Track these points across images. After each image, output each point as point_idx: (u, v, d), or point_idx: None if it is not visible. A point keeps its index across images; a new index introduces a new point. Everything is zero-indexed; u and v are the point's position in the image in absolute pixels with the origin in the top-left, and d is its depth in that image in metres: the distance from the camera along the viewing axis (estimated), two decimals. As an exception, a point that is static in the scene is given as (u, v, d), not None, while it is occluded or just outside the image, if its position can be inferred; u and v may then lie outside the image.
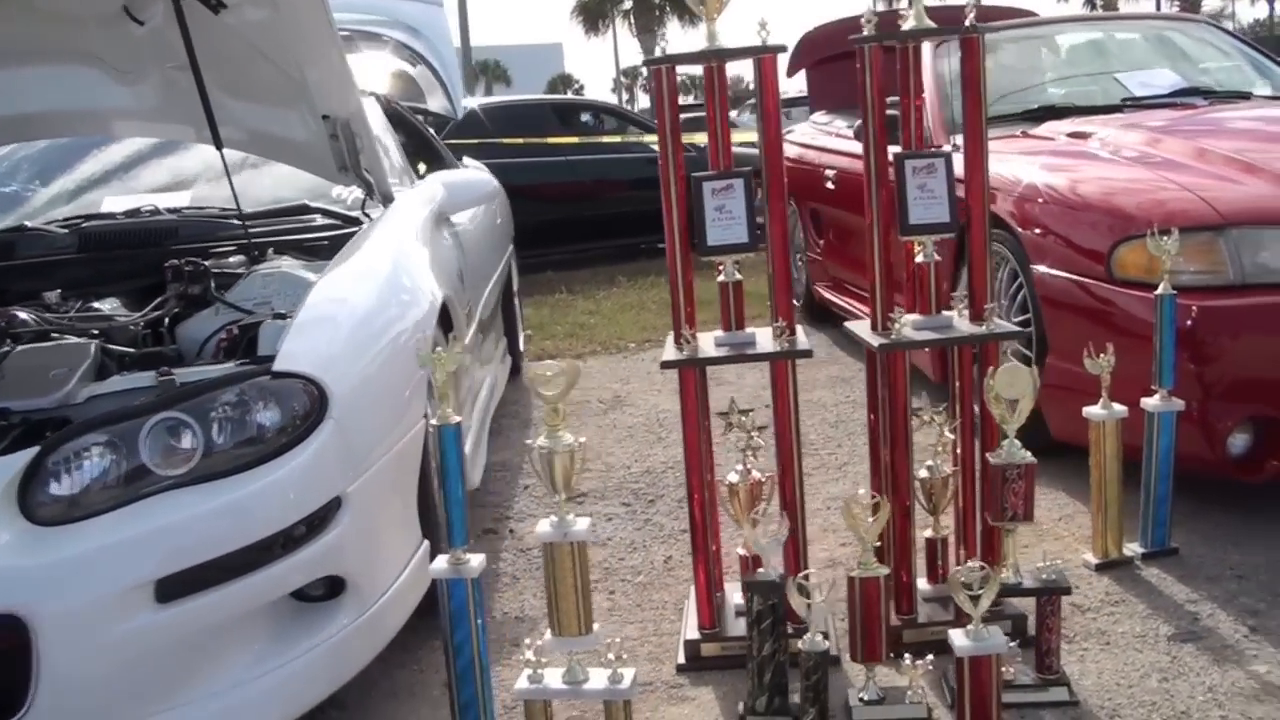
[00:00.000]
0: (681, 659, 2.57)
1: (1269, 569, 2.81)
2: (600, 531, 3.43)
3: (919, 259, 2.56)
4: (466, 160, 5.89)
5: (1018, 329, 2.64)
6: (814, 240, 6.15)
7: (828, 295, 5.96)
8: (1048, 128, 4.16)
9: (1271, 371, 2.94)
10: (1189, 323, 2.94)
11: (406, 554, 2.47)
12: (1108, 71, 4.90)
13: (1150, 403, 2.90)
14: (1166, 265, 2.84)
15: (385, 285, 2.79)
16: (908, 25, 2.51)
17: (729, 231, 2.50)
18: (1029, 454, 2.27)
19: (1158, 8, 37.58)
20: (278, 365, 2.21)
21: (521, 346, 5.83)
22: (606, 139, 10.73)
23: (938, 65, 4.86)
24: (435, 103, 5.58)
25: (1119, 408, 2.86)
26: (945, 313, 2.58)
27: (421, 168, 4.54)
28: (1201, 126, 3.98)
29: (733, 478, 2.51)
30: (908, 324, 2.51)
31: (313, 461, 2.11)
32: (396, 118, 4.74)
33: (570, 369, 1.87)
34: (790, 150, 6.58)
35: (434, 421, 1.94)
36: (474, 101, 10.50)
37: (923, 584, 2.66)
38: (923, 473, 2.60)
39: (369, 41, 4.91)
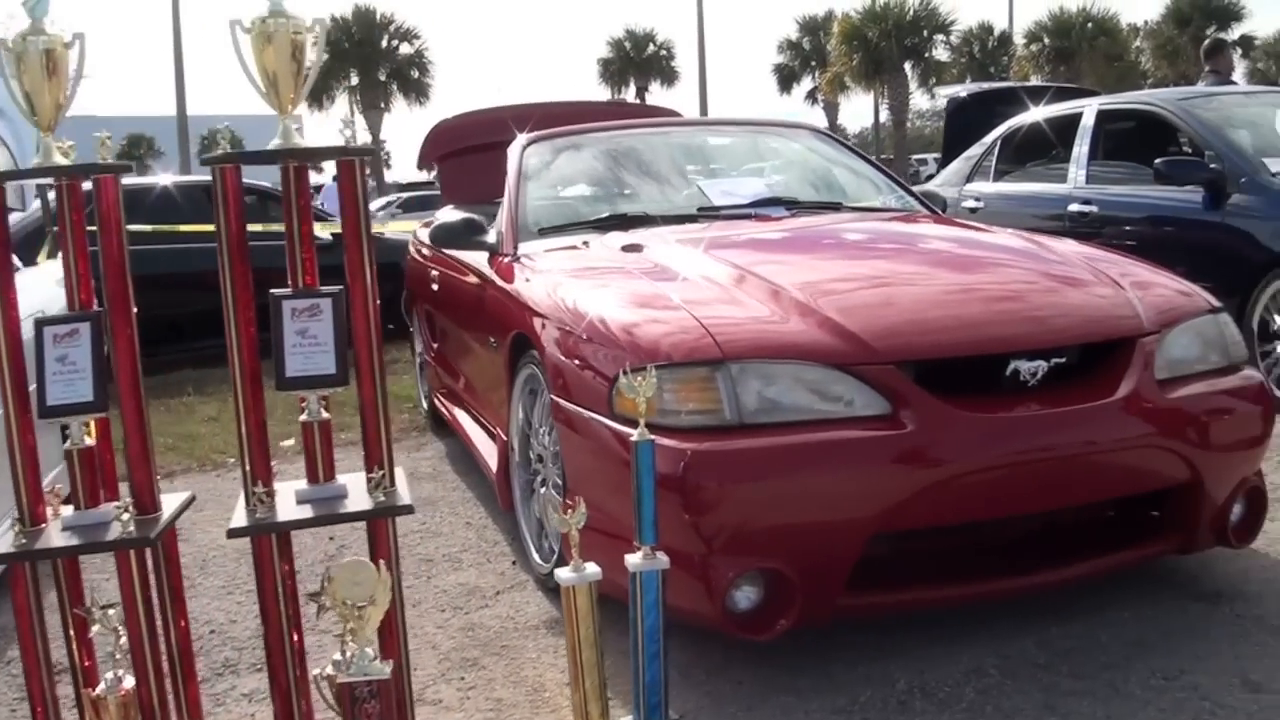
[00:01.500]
0: None
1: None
2: None
3: (303, 417, 2.18)
4: None
5: (405, 506, 2.23)
6: (430, 345, 5.79)
7: (440, 405, 5.59)
8: (606, 239, 3.91)
9: (776, 520, 2.68)
10: (682, 468, 2.66)
11: None
12: (699, 178, 4.72)
13: (632, 560, 2.60)
14: (641, 407, 2.55)
15: None
16: (274, 144, 2.15)
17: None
18: (386, 667, 1.90)
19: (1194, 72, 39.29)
20: None
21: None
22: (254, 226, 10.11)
23: (524, 165, 4.59)
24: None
25: (590, 569, 2.54)
26: (343, 479, 2.21)
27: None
28: (758, 242, 3.80)
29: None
30: (287, 493, 2.12)
31: None
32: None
33: None
34: (411, 248, 6.26)
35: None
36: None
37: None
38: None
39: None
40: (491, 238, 4.35)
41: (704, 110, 37.24)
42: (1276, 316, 5.53)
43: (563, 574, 2.53)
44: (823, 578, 2.74)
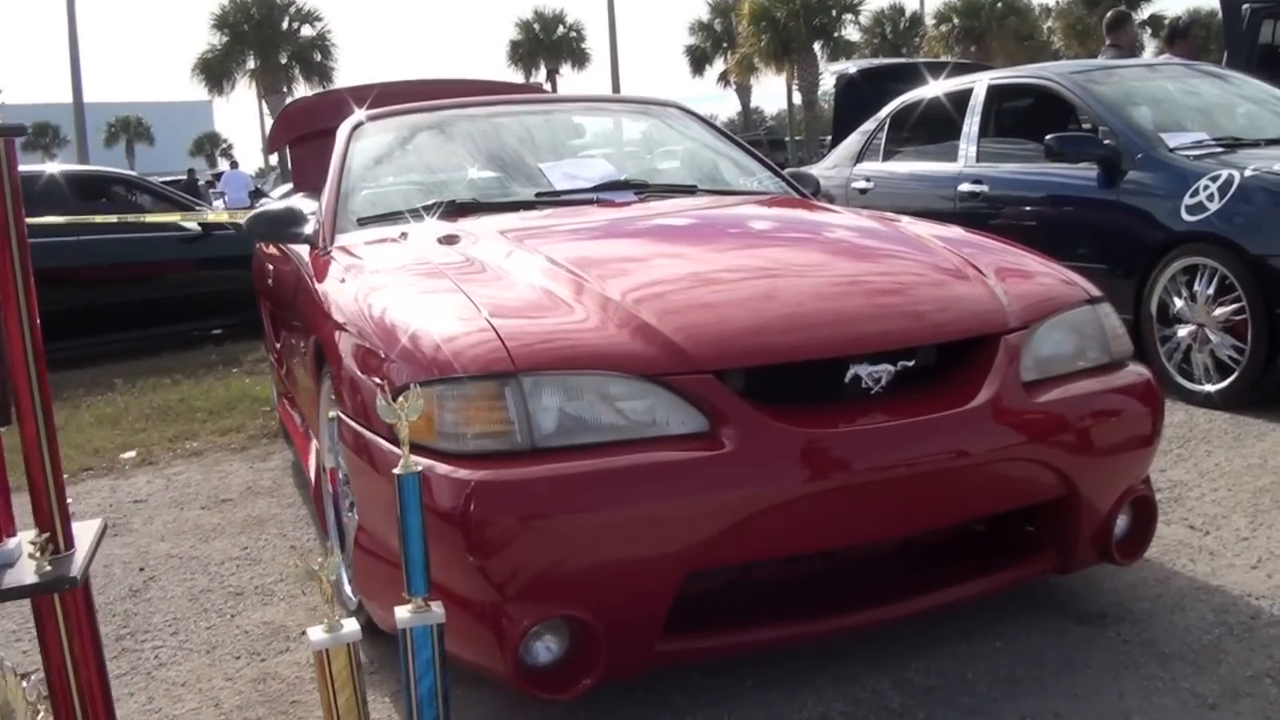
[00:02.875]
0: None
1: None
2: None
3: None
4: None
5: (70, 579, 1.74)
6: (272, 345, 5.32)
7: (281, 411, 5.12)
8: (426, 231, 3.47)
9: (576, 559, 2.27)
10: (465, 501, 2.24)
11: None
12: (548, 161, 4.28)
13: (402, 614, 2.18)
14: (403, 432, 2.13)
15: None
16: None
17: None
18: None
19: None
20: None
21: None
22: (137, 218, 9.61)
23: (352, 147, 4.13)
24: None
25: (349, 627, 2.12)
26: (12, 540, 1.76)
27: None
28: (586, 232, 3.38)
29: None
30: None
31: None
32: None
33: None
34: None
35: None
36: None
37: None
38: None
39: None
40: (311, 228, 3.89)
41: (616, 91, 36.80)
42: (1176, 299, 5.23)
43: (314, 634, 2.11)
44: (634, 623, 2.34)
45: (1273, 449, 4.44)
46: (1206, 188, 5.14)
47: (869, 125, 7.63)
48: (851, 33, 35.62)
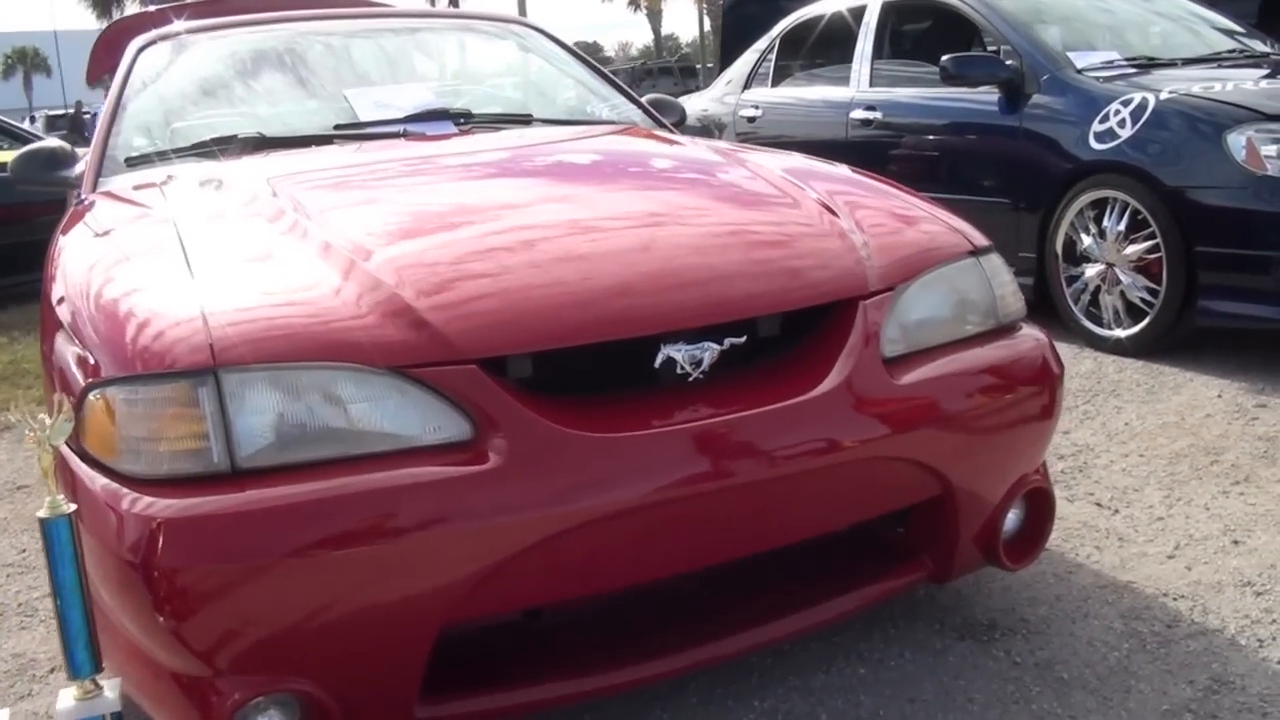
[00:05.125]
0: None
1: None
2: None
3: None
4: None
5: None
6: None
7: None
8: (189, 175, 2.86)
9: (296, 617, 1.72)
10: (148, 544, 1.67)
11: None
12: (358, 86, 3.65)
13: (64, 702, 1.63)
14: (45, 460, 1.56)
15: None
16: None
17: None
18: None
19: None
20: None
21: None
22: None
23: (134, 74, 3.49)
24: None
25: (108, 693, 1.57)
26: None
27: None
28: (366, 177, 2.79)
29: None
30: None
31: None
32: None
33: None
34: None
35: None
36: None
37: None
38: None
39: None
40: (79, 170, 3.26)
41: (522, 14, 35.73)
42: (1084, 236, 4.75)
43: (63, 701, 1.61)
44: (380, 691, 1.80)
45: (1190, 404, 3.99)
46: (1117, 112, 4.65)
47: (759, 46, 7.05)
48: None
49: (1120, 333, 4.64)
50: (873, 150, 5.78)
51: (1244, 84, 4.61)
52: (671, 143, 3.21)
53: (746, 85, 6.99)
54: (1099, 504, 3.16)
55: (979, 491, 2.21)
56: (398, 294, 1.88)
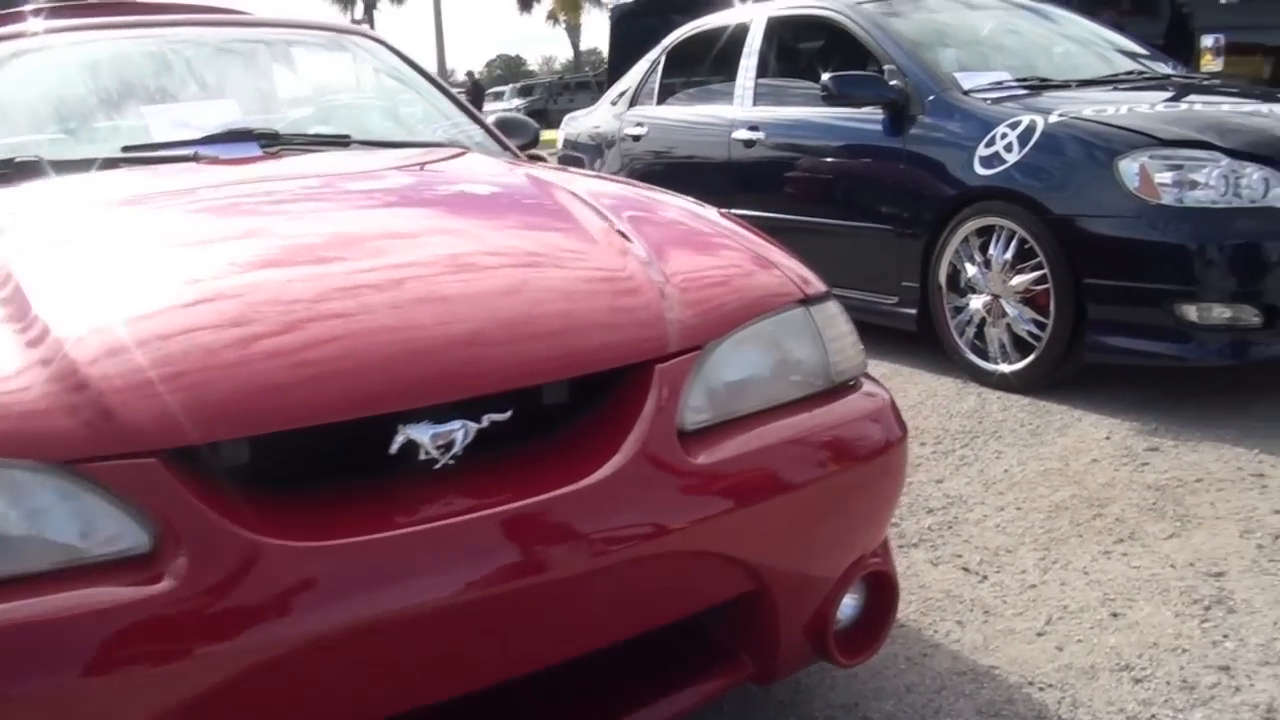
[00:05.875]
0: None
1: None
2: None
3: None
4: None
5: None
6: None
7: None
8: None
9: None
10: None
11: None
12: (165, 100, 3.28)
13: None
14: None
15: None
16: None
17: None
18: None
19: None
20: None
21: None
22: None
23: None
24: None
25: None
26: None
27: None
28: (128, 211, 2.41)
29: None
30: None
31: None
32: None
33: None
34: None
35: None
36: None
37: None
38: None
39: None
40: None
41: (439, 32, 35.30)
42: (969, 265, 4.49)
43: None
44: None
45: (1076, 447, 3.73)
46: (1004, 136, 4.39)
47: (645, 61, 6.75)
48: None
49: (1006, 368, 4.38)
50: (755, 172, 5.49)
51: (1139, 107, 4.37)
52: (493, 171, 2.86)
53: (633, 102, 6.68)
54: (966, 568, 2.87)
55: (803, 581, 1.90)
56: (84, 372, 1.52)
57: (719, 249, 2.15)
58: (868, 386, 2.08)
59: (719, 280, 2.00)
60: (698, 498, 1.70)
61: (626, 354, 1.74)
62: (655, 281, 1.91)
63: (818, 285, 2.08)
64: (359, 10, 49.02)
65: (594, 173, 3.38)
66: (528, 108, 33.07)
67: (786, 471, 1.83)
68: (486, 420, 1.61)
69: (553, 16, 45.66)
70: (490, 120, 3.67)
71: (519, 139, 3.57)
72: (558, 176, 2.75)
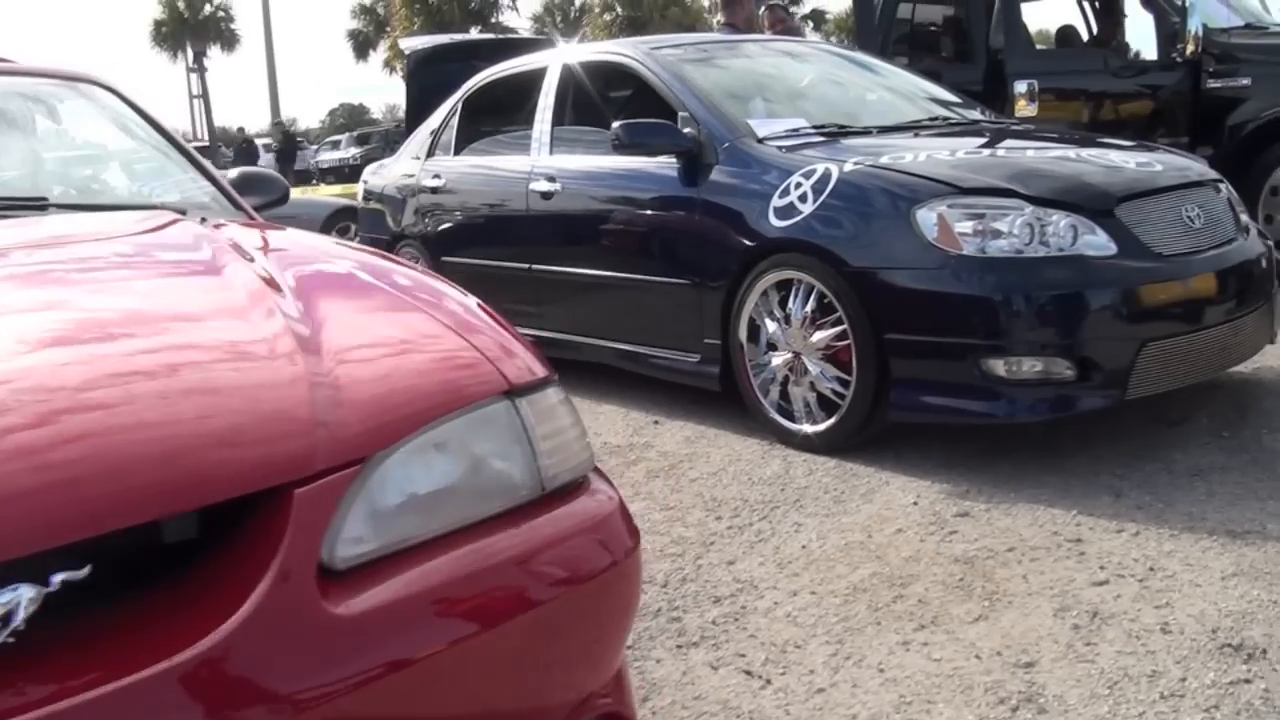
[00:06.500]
0: None
1: None
2: None
3: None
4: None
5: None
6: None
7: None
8: None
9: None
10: None
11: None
12: None
13: None
14: None
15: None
16: None
17: None
18: None
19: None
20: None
21: None
22: None
23: None
24: None
25: None
26: None
27: None
28: None
29: None
30: None
31: None
32: None
33: None
34: None
35: None
36: None
37: None
38: None
39: None
40: None
41: (272, 80, 34.45)
42: (769, 322, 4.23)
43: None
44: None
45: (880, 515, 3.47)
46: (799, 185, 4.16)
47: (443, 109, 6.41)
48: (511, 18, 34.56)
49: (810, 429, 4.13)
50: (553, 225, 5.20)
51: (939, 154, 4.19)
52: (184, 243, 2.44)
53: (429, 152, 6.34)
54: (749, 671, 2.57)
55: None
56: None
57: (413, 331, 1.81)
58: (594, 486, 1.76)
59: (400, 371, 1.66)
60: (343, 658, 1.35)
61: (251, 478, 1.38)
62: (312, 378, 1.55)
63: (531, 372, 1.75)
64: (188, 57, 47.78)
65: (333, 239, 2.99)
66: (365, 156, 32.43)
67: (474, 609, 1.49)
68: (58, 581, 1.24)
69: (389, 65, 45.08)
70: (233, 175, 3.30)
71: (264, 196, 3.20)
72: (263, 247, 2.37)
